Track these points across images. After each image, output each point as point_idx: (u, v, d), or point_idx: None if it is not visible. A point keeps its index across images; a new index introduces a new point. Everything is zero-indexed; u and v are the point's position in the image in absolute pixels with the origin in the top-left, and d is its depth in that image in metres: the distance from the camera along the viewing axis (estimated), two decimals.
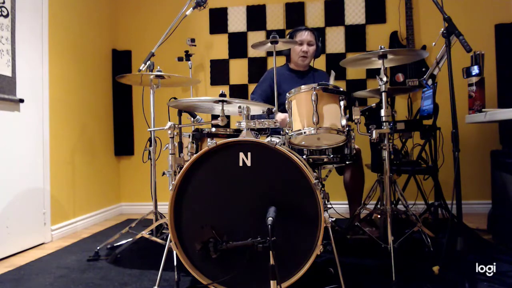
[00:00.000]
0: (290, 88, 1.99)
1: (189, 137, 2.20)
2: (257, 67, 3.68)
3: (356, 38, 3.55)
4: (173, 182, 1.64)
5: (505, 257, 2.01)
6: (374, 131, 1.86)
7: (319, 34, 2.73)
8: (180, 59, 3.47)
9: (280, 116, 2.32)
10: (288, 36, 2.71)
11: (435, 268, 1.73)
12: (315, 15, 3.62)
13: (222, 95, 1.81)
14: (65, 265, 2.17)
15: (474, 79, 2.43)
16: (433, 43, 1.90)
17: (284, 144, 1.94)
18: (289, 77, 2.70)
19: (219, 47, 3.77)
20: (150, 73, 2.33)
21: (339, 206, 3.02)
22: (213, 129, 2.07)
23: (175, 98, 2.01)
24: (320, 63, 3.46)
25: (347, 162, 2.04)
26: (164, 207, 1.76)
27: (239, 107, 1.75)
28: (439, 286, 1.69)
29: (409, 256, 2.09)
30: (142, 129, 3.76)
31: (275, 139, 1.60)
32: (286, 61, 2.83)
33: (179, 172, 1.64)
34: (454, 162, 1.65)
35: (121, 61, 3.80)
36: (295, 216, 1.56)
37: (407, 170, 2.64)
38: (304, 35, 2.64)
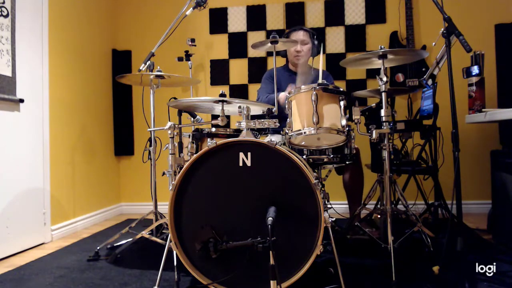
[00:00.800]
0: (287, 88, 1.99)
1: (189, 137, 2.20)
2: (257, 67, 3.67)
3: (356, 38, 3.55)
4: (173, 182, 1.64)
5: (505, 257, 2.01)
6: (374, 131, 1.86)
7: (314, 33, 2.70)
8: (180, 59, 3.47)
9: (281, 95, 2.35)
10: (284, 37, 2.70)
11: (435, 268, 1.72)
12: (315, 15, 3.62)
13: (222, 95, 1.81)
14: (65, 265, 2.17)
15: (474, 79, 2.42)
16: (433, 43, 1.90)
17: (284, 144, 1.94)
18: (288, 77, 2.70)
19: (219, 47, 3.77)
20: (150, 73, 2.33)
21: (339, 206, 3.02)
22: (213, 129, 2.07)
23: (175, 98, 2.01)
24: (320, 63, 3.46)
25: (347, 162, 2.04)
26: (164, 207, 1.76)
27: (239, 107, 1.75)
28: (439, 286, 1.69)
29: (409, 256, 2.09)
30: (142, 129, 3.76)
31: (275, 139, 1.60)
32: (286, 61, 2.83)
33: (179, 172, 1.64)
34: (454, 162, 1.66)
35: (121, 61, 3.80)
36: (295, 216, 1.56)
37: (407, 170, 2.64)
38: (298, 35, 2.63)
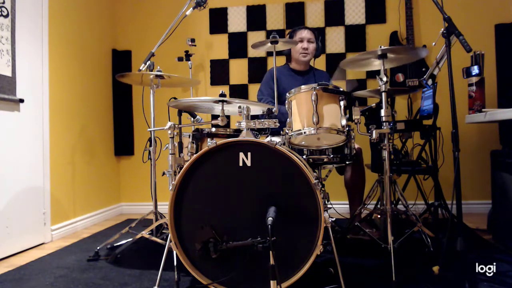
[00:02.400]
0: (291, 88, 1.99)
1: (189, 137, 2.20)
2: (257, 67, 3.68)
3: (356, 38, 3.55)
4: (173, 182, 1.64)
5: (505, 257, 2.01)
6: (374, 131, 1.86)
7: (318, 33, 2.74)
8: (180, 59, 3.47)
9: None
10: (288, 36, 2.72)
11: (435, 268, 1.73)
12: (315, 15, 3.62)
13: (222, 95, 1.81)
14: (65, 265, 2.17)
15: (474, 79, 2.42)
16: (433, 43, 1.91)
17: (284, 144, 1.94)
18: (289, 77, 2.70)
19: (219, 47, 3.77)
20: (150, 72, 2.33)
21: (339, 206, 3.02)
22: (213, 129, 2.07)
23: (175, 98, 2.01)
24: (320, 63, 3.46)
25: (347, 162, 2.04)
26: (164, 207, 1.76)
27: (239, 107, 1.75)
28: (439, 286, 1.69)
29: (409, 256, 2.09)
30: (142, 129, 3.76)
31: (275, 139, 1.60)
32: (286, 61, 2.83)
33: (179, 172, 1.64)
34: (454, 162, 1.66)
35: (121, 61, 3.80)
36: (295, 216, 1.56)
37: (407, 170, 2.64)
38: (304, 33, 2.65)
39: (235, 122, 1.79)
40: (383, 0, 3.52)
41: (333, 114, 1.85)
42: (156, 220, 2.35)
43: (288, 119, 1.93)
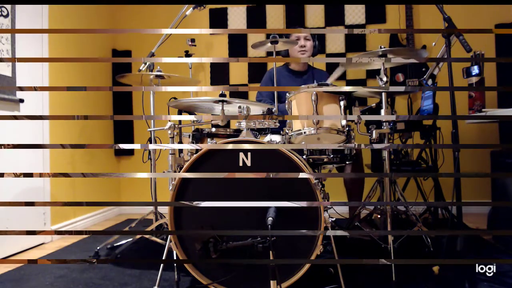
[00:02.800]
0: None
1: (189, 137, 2.20)
2: (257, 67, 3.67)
3: (356, 38, 3.55)
4: (173, 182, 1.64)
5: (505, 257, 2.01)
6: (374, 131, 1.86)
7: (314, 34, 2.75)
8: None
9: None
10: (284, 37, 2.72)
11: (435, 268, 1.73)
12: (315, 15, 3.61)
13: (222, 95, 1.81)
14: (65, 265, 2.16)
15: (474, 79, 2.42)
16: (433, 43, 1.91)
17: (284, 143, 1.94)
18: (288, 77, 2.70)
19: (219, 47, 3.76)
20: (150, 73, 2.33)
21: (339, 206, 3.02)
22: (213, 129, 2.07)
23: (175, 98, 2.01)
24: (320, 63, 3.46)
25: (347, 163, 2.04)
26: (164, 207, 1.76)
27: (239, 107, 1.75)
28: (439, 286, 1.69)
29: (409, 256, 2.09)
30: (142, 129, 3.76)
31: (275, 138, 1.60)
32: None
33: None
34: (454, 162, 1.66)
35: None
36: (295, 216, 1.56)
37: (407, 170, 2.64)
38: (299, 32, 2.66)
39: (235, 122, 1.79)
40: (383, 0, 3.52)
41: (333, 114, 1.85)
42: (156, 220, 2.35)
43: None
